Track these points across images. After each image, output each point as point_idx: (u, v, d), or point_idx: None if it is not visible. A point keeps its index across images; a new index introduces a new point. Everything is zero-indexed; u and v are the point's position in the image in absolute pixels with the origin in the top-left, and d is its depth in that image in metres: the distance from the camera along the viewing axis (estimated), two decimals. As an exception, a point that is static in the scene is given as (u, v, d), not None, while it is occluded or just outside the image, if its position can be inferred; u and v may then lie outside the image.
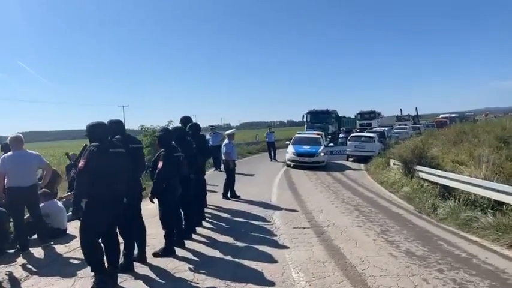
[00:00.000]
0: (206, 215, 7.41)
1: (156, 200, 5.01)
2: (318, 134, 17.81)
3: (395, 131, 31.57)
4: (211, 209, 8.10)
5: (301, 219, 7.21)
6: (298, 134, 18.56)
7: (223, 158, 9.61)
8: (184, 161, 5.32)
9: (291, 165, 15.84)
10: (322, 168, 15.38)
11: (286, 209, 8.02)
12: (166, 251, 5.03)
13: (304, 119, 29.02)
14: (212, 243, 5.73)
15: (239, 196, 9.25)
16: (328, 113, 28.85)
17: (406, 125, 38.87)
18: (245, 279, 4.31)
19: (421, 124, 43.18)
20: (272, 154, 17.71)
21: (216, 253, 5.23)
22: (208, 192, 9.79)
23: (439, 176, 9.32)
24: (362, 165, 16.83)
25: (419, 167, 10.52)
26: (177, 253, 5.14)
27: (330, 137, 24.85)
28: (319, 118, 28.37)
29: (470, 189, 7.79)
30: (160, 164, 4.91)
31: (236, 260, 4.95)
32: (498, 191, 6.87)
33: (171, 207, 5.12)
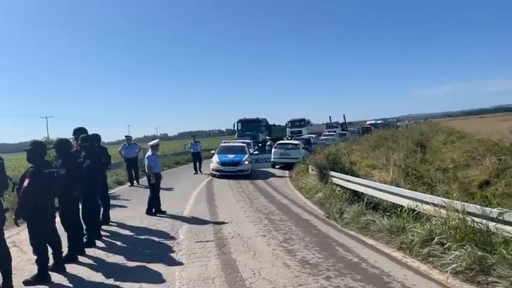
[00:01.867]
0: (104, 233, 6.90)
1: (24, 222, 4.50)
2: (244, 143, 17.79)
3: (322, 138, 32.65)
4: (113, 226, 7.57)
5: (208, 231, 6.98)
6: (224, 142, 18.40)
7: (146, 171, 9.10)
8: (59, 177, 4.84)
9: (217, 175, 15.63)
10: (247, 177, 15.31)
11: (195, 222, 7.76)
12: (39, 278, 4.52)
13: (235, 128, 29.09)
14: (99, 265, 5.28)
15: (165, 211, 8.68)
16: (258, 121, 29.19)
17: (334, 131, 40.49)
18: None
19: (348, 131, 45.17)
20: (197, 165, 17.19)
21: (97, 277, 4.80)
22: (117, 208, 9.31)
23: (348, 181, 9.62)
24: (287, 172, 17.05)
25: (332, 173, 10.79)
26: (52, 279, 4.64)
27: (260, 144, 25.01)
28: (249, 127, 28.59)
29: (373, 193, 8.10)
30: (26, 182, 4.40)
31: (117, 283, 4.57)
32: (395, 194, 7.19)
33: (42, 230, 4.61)
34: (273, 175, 16.48)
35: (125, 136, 13.29)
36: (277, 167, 19.09)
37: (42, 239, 4.62)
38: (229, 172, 15.35)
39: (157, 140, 9.63)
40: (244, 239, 6.37)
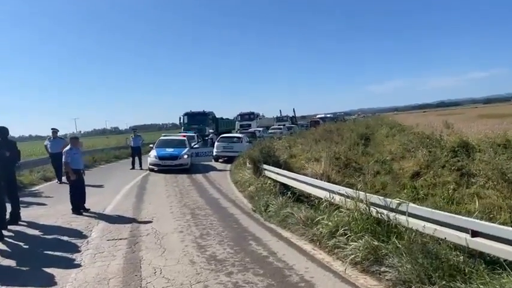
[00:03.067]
0: (9, 233, 6.42)
1: None
2: (185, 136, 17.43)
3: (270, 131, 32.87)
4: (23, 225, 7.06)
5: (124, 229, 6.68)
6: (163, 136, 17.92)
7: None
8: None
9: (155, 170, 15.20)
10: (186, 171, 15.01)
11: (114, 219, 7.40)
12: None
13: (181, 121, 28.52)
14: (-12, 269, 4.86)
15: (88, 209, 8.17)
16: (205, 114, 28.76)
17: (284, 125, 40.98)
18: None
19: (297, 124, 45.90)
20: (136, 160, 16.58)
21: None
22: (34, 206, 8.77)
23: (277, 174, 9.66)
24: (228, 166, 16.92)
25: (265, 166, 10.79)
26: None
27: (206, 138, 24.67)
28: (195, 120, 28.11)
29: (297, 185, 8.18)
30: None
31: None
32: (314, 185, 7.28)
33: None
34: (214, 169, 16.32)
35: (51, 129, 12.46)
36: (220, 160, 18.93)
37: None
38: (167, 166, 14.99)
39: (78, 133, 9.13)
40: (159, 236, 6.15)
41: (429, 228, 4.21)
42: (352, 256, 4.51)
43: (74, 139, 8.50)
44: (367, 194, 5.27)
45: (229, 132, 29.71)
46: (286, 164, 12.03)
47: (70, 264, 4.95)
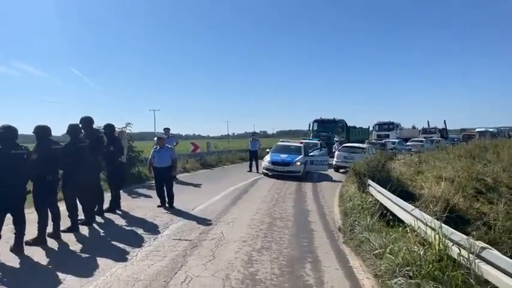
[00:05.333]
0: (101, 220, 7.15)
1: None
2: (301, 143, 17.09)
3: (409, 143, 29.97)
4: (118, 214, 7.76)
5: (196, 230, 6.71)
6: (281, 142, 17.90)
7: None
8: (28, 159, 5.12)
9: (269, 174, 15.31)
10: (299, 179, 14.66)
11: (194, 219, 7.53)
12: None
13: (310, 128, 28.31)
14: (57, 251, 5.41)
15: (173, 207, 8.50)
16: (335, 122, 27.99)
17: (430, 138, 37.12)
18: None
19: (447, 137, 41.03)
20: (253, 164, 17.00)
21: (44, 261, 4.89)
22: (142, 198, 9.66)
23: (378, 191, 8.51)
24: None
25: (369, 182, 9.67)
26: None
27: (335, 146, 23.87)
28: (325, 127, 27.61)
29: (390, 206, 7.01)
30: None
31: (49, 269, 4.59)
32: (402, 208, 6.10)
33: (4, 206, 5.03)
34: (329, 179, 15.55)
35: (164, 128, 13.58)
36: (341, 171, 17.99)
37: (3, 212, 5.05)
38: (280, 172, 14.89)
39: (162, 133, 9.56)
40: (220, 243, 5.97)
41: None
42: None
43: (159, 138, 8.94)
44: (447, 228, 4.06)
45: (362, 142, 28.16)
46: (399, 181, 10.55)
47: (122, 258, 5.13)
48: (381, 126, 37.60)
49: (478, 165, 16.18)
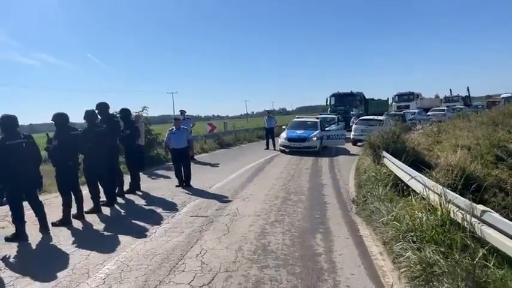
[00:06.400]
0: (122, 201, 7.52)
1: None
2: (317, 118, 17.07)
3: (430, 113, 29.35)
4: (138, 195, 8.10)
5: (213, 207, 6.97)
6: (297, 118, 17.89)
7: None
8: (28, 147, 5.33)
9: (286, 151, 15.43)
10: (315, 154, 14.75)
11: (211, 197, 7.78)
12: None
13: (327, 102, 28.08)
14: (82, 229, 5.76)
15: (190, 186, 8.80)
16: (353, 95, 27.63)
17: (453, 106, 36.29)
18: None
19: (470, 105, 39.98)
20: (270, 141, 17.12)
21: (69, 241, 5.24)
22: (161, 179, 9.98)
23: (392, 163, 8.52)
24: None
25: (384, 153, 9.67)
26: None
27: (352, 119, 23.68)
28: (342, 101, 27.34)
29: (401, 175, 7.05)
30: None
31: (73, 248, 4.93)
32: (407, 173, 6.16)
33: (13, 193, 5.28)
34: (347, 153, 15.55)
35: (180, 110, 13.79)
36: (359, 144, 17.90)
37: (16, 199, 5.31)
38: (296, 148, 14.99)
39: (179, 114, 9.69)
40: (235, 218, 6.20)
41: (510, 248, 3.03)
42: (405, 270, 3.62)
43: (176, 120, 9.12)
44: (450, 193, 4.12)
45: (381, 114, 27.75)
46: (415, 151, 10.47)
47: (141, 235, 5.43)
48: (400, 97, 36.85)
49: (500, 132, 15.82)
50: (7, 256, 4.75)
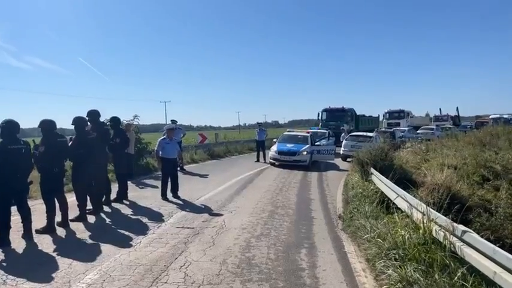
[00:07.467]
0: (108, 210, 7.45)
1: None
2: (308, 133, 17.20)
3: (419, 131, 29.76)
4: (125, 204, 8.06)
5: (199, 219, 6.95)
6: (288, 131, 18.02)
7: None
8: (26, 153, 5.34)
9: (276, 164, 15.48)
10: (306, 168, 14.82)
11: (197, 209, 7.76)
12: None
13: (319, 117, 28.32)
14: (64, 238, 5.70)
15: (179, 197, 8.77)
16: (344, 111, 27.91)
17: (442, 125, 36.84)
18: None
19: (459, 125, 40.58)
20: (261, 153, 17.18)
21: (50, 249, 5.19)
22: (149, 188, 9.93)
23: (379, 180, 8.61)
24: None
25: (372, 170, 9.77)
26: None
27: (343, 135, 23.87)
28: (334, 116, 27.60)
29: (386, 192, 7.14)
30: None
31: (55, 255, 4.88)
32: (391, 189, 6.24)
33: (6, 198, 5.26)
34: (336, 168, 15.68)
35: (171, 120, 13.82)
36: (348, 160, 18.04)
37: (6, 205, 5.28)
38: (286, 162, 15.06)
39: (173, 125, 9.69)
40: (220, 231, 6.19)
41: (488, 269, 3.09)
42: (386, 287, 3.66)
43: (169, 130, 9.10)
44: (433, 212, 4.19)
45: (372, 131, 28.05)
46: (402, 169, 10.61)
47: (126, 245, 5.39)
48: (391, 114, 37.37)
49: (487, 153, 16.05)
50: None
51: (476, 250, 3.38)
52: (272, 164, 15.64)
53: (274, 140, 17.18)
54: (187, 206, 8.02)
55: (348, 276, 4.39)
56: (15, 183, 5.20)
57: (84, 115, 7.18)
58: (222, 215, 7.28)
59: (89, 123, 7.22)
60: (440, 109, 45.67)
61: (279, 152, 15.33)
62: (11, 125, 5.28)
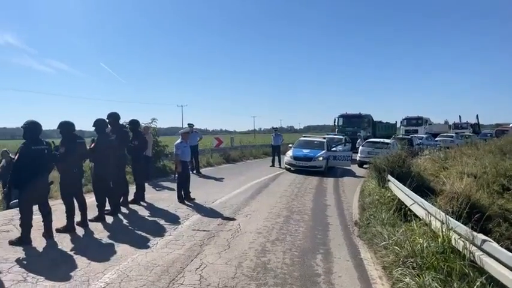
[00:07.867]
0: (126, 211, 7.57)
1: None
2: (324, 138, 17.12)
3: (437, 139, 29.26)
4: (142, 205, 8.16)
5: (215, 222, 6.99)
6: (304, 137, 17.97)
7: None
8: (49, 154, 5.46)
9: (291, 169, 15.45)
10: (321, 174, 14.75)
11: (213, 212, 7.80)
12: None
13: (335, 123, 28.16)
14: (83, 238, 5.81)
15: (193, 199, 8.85)
16: (361, 117, 27.69)
17: (462, 133, 36.23)
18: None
19: (479, 133, 39.79)
20: (276, 158, 17.18)
21: (68, 247, 5.29)
22: (165, 190, 10.03)
23: (396, 186, 8.51)
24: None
25: (389, 177, 9.66)
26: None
27: (359, 141, 23.69)
28: (350, 122, 27.41)
29: (404, 200, 7.04)
30: (16, 156, 5.15)
31: (74, 254, 4.98)
32: (412, 199, 6.15)
33: (30, 199, 5.37)
34: (353, 174, 15.56)
35: (187, 124, 13.89)
36: (365, 166, 17.88)
37: (29, 204, 5.39)
38: (301, 167, 15.00)
39: (188, 128, 9.79)
40: (236, 234, 6.22)
41: (507, 278, 3.03)
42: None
43: (184, 133, 9.16)
44: (452, 220, 4.13)
45: (389, 137, 27.74)
46: (420, 176, 10.45)
47: (143, 246, 5.47)
48: (409, 121, 36.86)
49: (508, 161, 15.71)
50: (10, 260, 4.81)
51: (496, 259, 3.32)
52: (287, 169, 15.61)
53: (290, 145, 17.15)
54: (203, 209, 8.07)
55: (364, 283, 4.36)
56: (38, 183, 5.32)
57: (105, 118, 7.32)
58: (237, 218, 7.30)
59: (108, 126, 7.37)
60: (460, 116, 44.80)
61: (295, 158, 15.29)
62: (34, 126, 5.41)
